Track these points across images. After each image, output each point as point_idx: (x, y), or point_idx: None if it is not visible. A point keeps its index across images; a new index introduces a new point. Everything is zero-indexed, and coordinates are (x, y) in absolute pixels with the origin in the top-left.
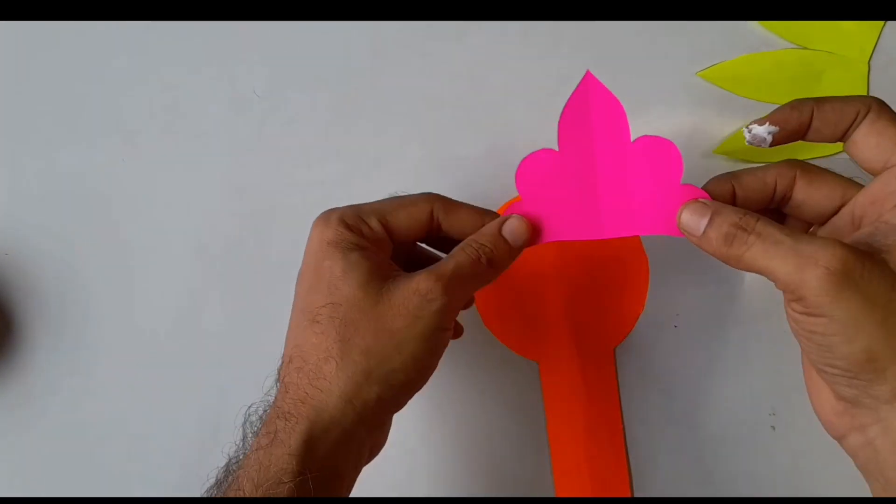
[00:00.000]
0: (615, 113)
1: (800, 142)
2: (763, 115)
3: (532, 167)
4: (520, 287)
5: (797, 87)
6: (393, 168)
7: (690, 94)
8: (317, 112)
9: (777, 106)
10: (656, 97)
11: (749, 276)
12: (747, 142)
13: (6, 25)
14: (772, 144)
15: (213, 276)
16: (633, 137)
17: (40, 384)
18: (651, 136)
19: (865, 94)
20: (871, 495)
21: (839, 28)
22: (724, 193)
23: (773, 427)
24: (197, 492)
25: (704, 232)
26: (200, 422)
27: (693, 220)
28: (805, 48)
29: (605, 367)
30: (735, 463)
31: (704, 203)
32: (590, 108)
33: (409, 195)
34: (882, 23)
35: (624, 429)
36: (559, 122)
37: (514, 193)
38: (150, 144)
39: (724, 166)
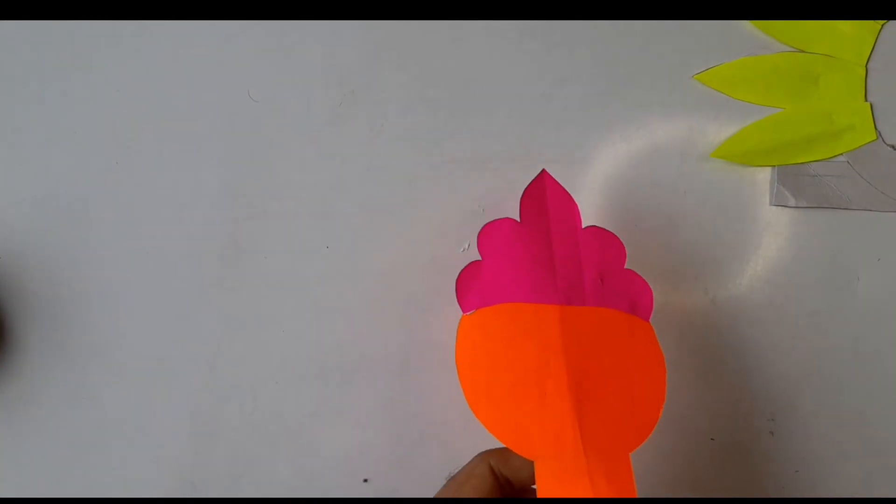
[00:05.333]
0: (568, 204)
1: (797, 145)
2: (760, 120)
3: (493, 232)
4: (516, 372)
5: (794, 90)
6: (388, 171)
7: (686, 97)
8: (312, 115)
9: (775, 110)
10: (652, 100)
11: (746, 281)
12: None
13: None
14: None
15: (207, 279)
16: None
17: (34, 388)
18: (598, 227)
19: (863, 97)
20: None
21: (836, 31)
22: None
23: (772, 433)
24: (192, 493)
25: None
26: (195, 426)
27: None
28: (802, 51)
29: (620, 475)
30: (733, 469)
31: None
32: (546, 197)
33: (462, 469)
34: (879, 26)
35: None
36: (521, 200)
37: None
38: (144, 147)
39: (722, 170)
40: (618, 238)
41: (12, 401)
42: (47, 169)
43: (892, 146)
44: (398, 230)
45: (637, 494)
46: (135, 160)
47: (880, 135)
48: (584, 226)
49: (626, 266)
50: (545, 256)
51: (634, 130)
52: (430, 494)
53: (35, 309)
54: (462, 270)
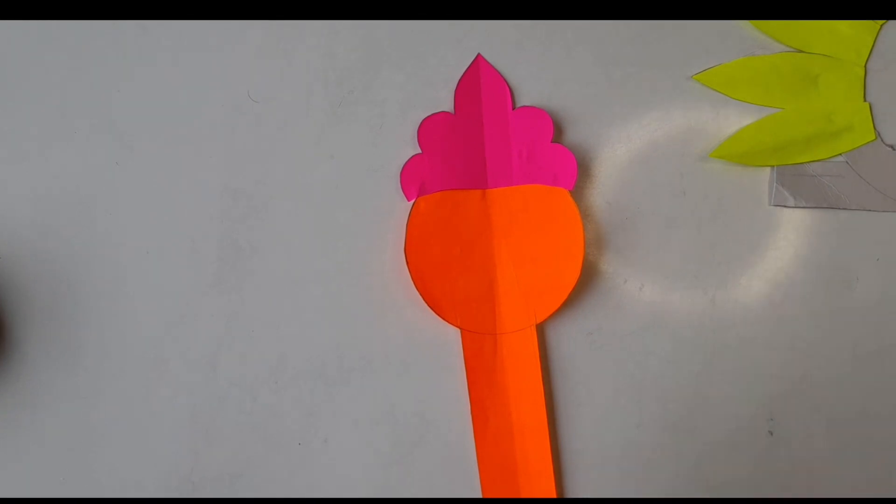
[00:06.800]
0: (500, 88)
1: (796, 145)
2: (759, 120)
3: (431, 126)
4: (449, 251)
5: (793, 90)
6: (387, 172)
7: (685, 97)
8: (311, 116)
9: (774, 110)
10: (651, 100)
11: (746, 281)
12: None
13: None
14: None
15: (207, 279)
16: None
17: (34, 388)
18: (528, 107)
19: (862, 97)
20: None
21: (835, 31)
22: None
23: (771, 432)
24: (192, 493)
25: None
26: (195, 426)
27: None
28: (801, 51)
29: (528, 344)
30: (732, 469)
31: None
32: (480, 83)
33: None
34: (878, 26)
35: (547, 412)
36: (455, 91)
37: None
38: (144, 147)
39: (721, 170)
40: (546, 114)
41: (12, 401)
42: (47, 169)
43: (891, 146)
44: (398, 230)
45: (539, 361)
46: (135, 160)
47: (879, 135)
48: (514, 107)
49: (552, 140)
50: (476, 143)
51: (634, 130)
52: (430, 494)
53: (35, 309)
54: (405, 163)
